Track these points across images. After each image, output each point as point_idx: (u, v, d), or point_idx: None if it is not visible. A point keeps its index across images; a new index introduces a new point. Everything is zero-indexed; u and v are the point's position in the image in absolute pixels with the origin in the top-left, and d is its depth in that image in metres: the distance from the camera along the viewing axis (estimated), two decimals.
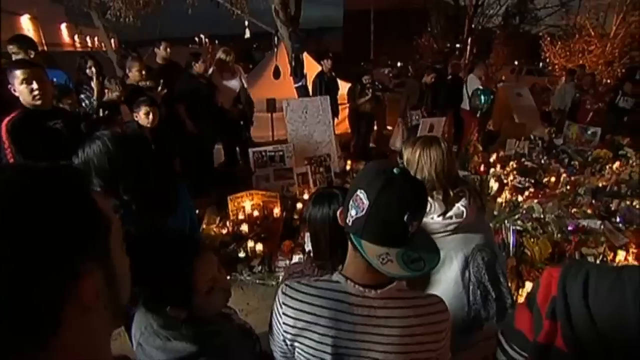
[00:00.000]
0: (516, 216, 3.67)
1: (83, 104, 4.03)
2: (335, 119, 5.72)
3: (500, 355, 0.83)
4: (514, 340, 0.81)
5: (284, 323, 0.96)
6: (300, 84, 4.97)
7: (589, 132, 6.22)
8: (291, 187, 4.02)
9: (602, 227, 3.53)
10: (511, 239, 3.25)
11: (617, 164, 5.09)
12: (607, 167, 5.06)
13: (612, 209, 3.96)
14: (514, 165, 5.00)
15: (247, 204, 3.70)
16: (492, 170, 4.91)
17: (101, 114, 3.37)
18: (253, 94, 5.49)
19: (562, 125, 6.50)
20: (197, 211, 3.86)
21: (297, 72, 4.91)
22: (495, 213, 3.96)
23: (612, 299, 0.66)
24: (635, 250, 3.23)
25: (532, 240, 3.24)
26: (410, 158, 1.43)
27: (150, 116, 3.07)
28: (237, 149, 5.18)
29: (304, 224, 1.33)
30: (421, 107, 5.35)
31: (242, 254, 3.28)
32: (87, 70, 3.88)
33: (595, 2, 12.01)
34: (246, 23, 5.70)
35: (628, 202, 3.98)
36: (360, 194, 0.82)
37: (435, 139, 1.45)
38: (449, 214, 1.36)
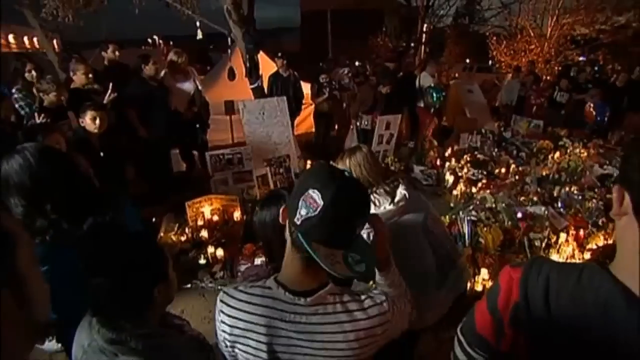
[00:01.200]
0: (470, 207, 3.84)
1: (22, 112, 3.75)
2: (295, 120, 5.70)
3: (460, 354, 0.82)
4: (476, 343, 0.79)
5: (222, 330, 0.96)
6: (256, 85, 4.90)
7: (533, 125, 6.69)
8: (251, 189, 3.96)
9: (546, 212, 3.78)
10: (466, 229, 3.41)
11: (557, 154, 5.49)
12: (550, 157, 5.44)
13: (555, 195, 4.25)
14: (468, 159, 5.23)
15: (206, 209, 3.61)
16: (447, 164, 5.12)
17: (39, 121, 3.12)
18: (211, 96, 5.35)
19: (510, 119, 6.93)
20: (153, 219, 3.75)
21: (252, 73, 4.85)
22: (452, 205, 4.13)
23: (574, 306, 0.66)
24: (574, 232, 3.49)
25: (485, 229, 3.41)
26: (342, 167, 1.66)
27: (98, 121, 2.90)
28: (195, 153, 5.04)
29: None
30: (374, 112, 5.42)
31: (202, 261, 3.21)
32: (27, 74, 3.60)
33: (533, 6, 12.94)
34: (198, 24, 5.52)
35: (567, 189, 4.30)
36: (314, 194, 0.82)
37: (358, 147, 1.75)
38: (396, 199, 1.62)
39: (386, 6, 15.03)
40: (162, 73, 4.46)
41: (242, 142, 4.78)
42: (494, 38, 14.02)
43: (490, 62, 15.78)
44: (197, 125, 4.86)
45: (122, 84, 3.93)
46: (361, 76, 8.44)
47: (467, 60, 19.65)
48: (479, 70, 17.61)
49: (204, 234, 3.41)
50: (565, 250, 3.29)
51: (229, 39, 5.03)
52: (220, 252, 3.19)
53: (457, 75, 14.73)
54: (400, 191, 1.64)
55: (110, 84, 3.76)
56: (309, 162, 5.00)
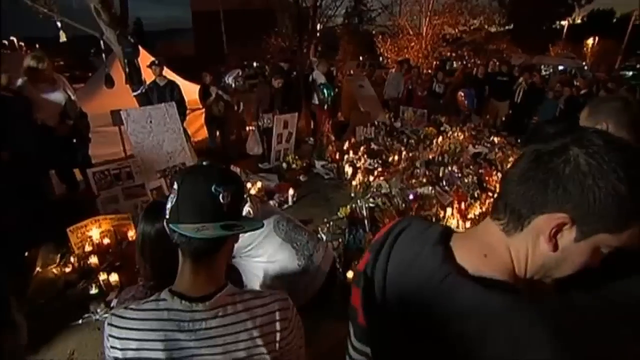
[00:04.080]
0: (368, 195, 4.11)
1: None
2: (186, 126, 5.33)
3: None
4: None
5: (114, 357, 0.87)
6: (139, 91, 4.49)
7: (419, 114, 7.45)
8: (146, 204, 3.65)
9: (433, 191, 4.25)
10: (366, 216, 3.65)
11: (440, 138, 6.20)
12: (434, 141, 6.12)
13: (440, 175, 4.79)
14: (364, 150, 5.60)
15: (94, 232, 3.23)
16: (345, 156, 5.40)
17: None
18: (94, 106, 4.75)
19: (399, 110, 7.60)
20: (26, 254, 3.22)
21: (134, 78, 4.43)
22: (352, 195, 4.37)
23: (406, 248, 0.72)
24: (457, 206, 3.99)
25: (382, 213, 3.69)
26: None
27: None
28: (77, 171, 4.44)
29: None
30: (273, 110, 5.45)
31: (94, 290, 2.86)
32: None
33: (410, 7, 14.53)
34: (59, 24, 4.82)
35: (450, 168, 4.88)
36: (174, 185, 0.86)
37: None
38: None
39: (276, 5, 15.11)
40: (20, 82, 3.82)
41: None
42: (380, 36, 15.29)
43: (380, 58, 17.13)
44: (75, 141, 4.29)
45: None
46: (260, 77, 8.38)
47: (361, 58, 21.00)
48: (371, 66, 18.96)
49: (94, 260, 3.05)
50: (452, 223, 3.72)
51: (102, 42, 4.51)
52: (114, 278, 2.88)
53: (351, 72, 15.63)
54: (247, 208, 1.89)
55: None
56: None
